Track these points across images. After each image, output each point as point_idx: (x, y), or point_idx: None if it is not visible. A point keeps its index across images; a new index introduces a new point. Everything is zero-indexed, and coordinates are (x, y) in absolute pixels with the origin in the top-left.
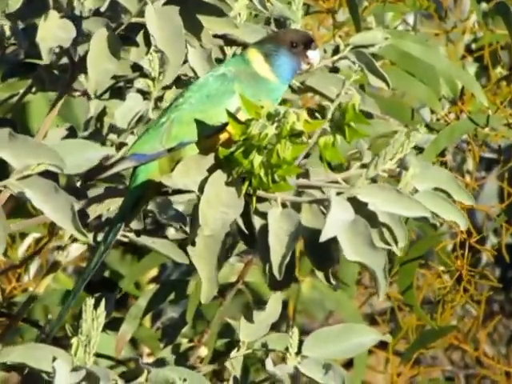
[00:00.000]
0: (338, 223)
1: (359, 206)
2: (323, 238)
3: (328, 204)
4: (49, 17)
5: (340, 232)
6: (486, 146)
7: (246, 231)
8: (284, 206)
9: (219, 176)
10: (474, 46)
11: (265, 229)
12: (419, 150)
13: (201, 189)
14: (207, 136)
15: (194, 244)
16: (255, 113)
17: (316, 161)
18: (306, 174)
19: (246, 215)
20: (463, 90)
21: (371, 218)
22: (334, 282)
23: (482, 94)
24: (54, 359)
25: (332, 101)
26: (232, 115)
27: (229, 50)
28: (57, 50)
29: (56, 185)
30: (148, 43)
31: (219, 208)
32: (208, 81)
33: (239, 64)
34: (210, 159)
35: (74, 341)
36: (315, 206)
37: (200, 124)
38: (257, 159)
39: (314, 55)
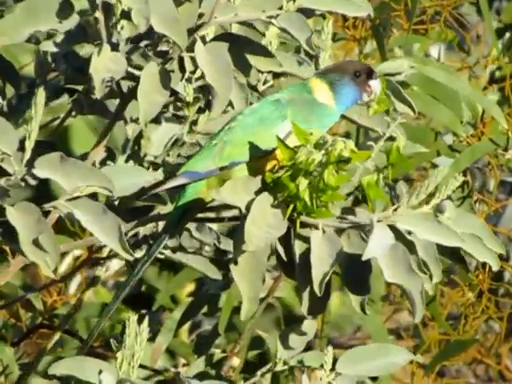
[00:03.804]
0: (379, 245)
1: (399, 234)
2: (365, 256)
3: (370, 228)
4: (102, 50)
5: (380, 255)
6: (508, 171)
7: (285, 258)
8: (324, 232)
9: (265, 198)
10: (497, 74)
11: (306, 252)
12: None
13: (247, 208)
14: (257, 157)
15: (236, 263)
16: (304, 139)
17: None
18: (352, 211)
19: (286, 242)
20: (484, 114)
21: (409, 246)
22: (368, 312)
23: (501, 117)
24: (100, 372)
25: (358, 125)
26: (282, 141)
27: (260, 76)
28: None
29: (104, 206)
30: (182, 69)
31: (263, 228)
32: (262, 105)
33: (299, 91)
34: (257, 181)
35: (119, 354)
36: (355, 233)
37: (251, 145)
38: (303, 183)
39: (375, 84)
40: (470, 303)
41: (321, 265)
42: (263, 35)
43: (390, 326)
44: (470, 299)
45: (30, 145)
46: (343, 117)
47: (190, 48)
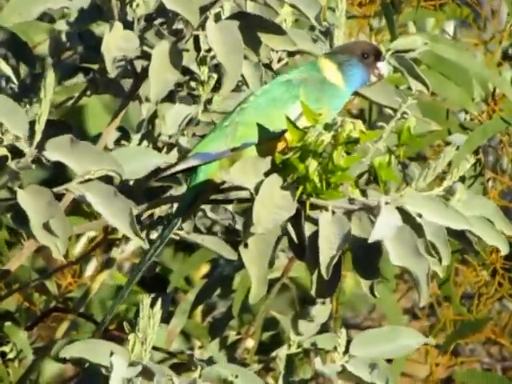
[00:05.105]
0: (386, 228)
1: (406, 216)
2: (372, 239)
3: (377, 211)
4: (114, 28)
5: (387, 237)
6: None
7: (296, 240)
8: (333, 213)
9: (275, 179)
10: (510, 52)
11: (315, 234)
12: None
13: (256, 189)
14: (269, 138)
15: (246, 246)
16: (313, 119)
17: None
18: (362, 193)
19: (296, 225)
20: (496, 91)
21: (417, 229)
22: (377, 295)
23: None
24: (112, 354)
25: (372, 102)
26: (291, 121)
27: (275, 55)
28: (122, 63)
29: (115, 189)
30: (197, 48)
31: (272, 209)
32: (274, 86)
33: (309, 70)
34: (267, 162)
35: (131, 337)
36: (365, 216)
37: (264, 126)
38: (312, 165)
39: (383, 66)
40: (484, 282)
41: (328, 247)
42: (277, 13)
43: (406, 305)
44: (484, 278)
45: (39, 127)
46: (356, 93)
47: (204, 26)
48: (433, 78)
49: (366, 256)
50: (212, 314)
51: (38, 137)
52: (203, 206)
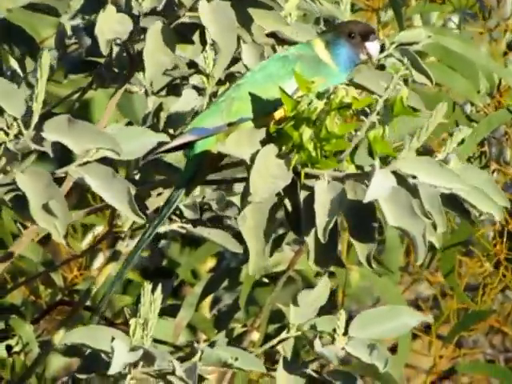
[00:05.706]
0: (380, 188)
1: (402, 180)
2: (366, 199)
3: (372, 173)
4: (106, 11)
5: (382, 199)
6: None
7: (290, 209)
8: (328, 183)
9: (270, 149)
10: None
11: (310, 200)
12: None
13: (252, 160)
14: (265, 113)
15: (244, 218)
16: (306, 88)
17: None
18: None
19: (292, 195)
20: (501, 83)
21: (412, 191)
22: (374, 265)
23: None
24: (113, 340)
25: (380, 96)
26: (284, 92)
27: (280, 49)
28: (116, 45)
29: (113, 170)
30: (203, 42)
31: (268, 179)
32: (270, 62)
33: (303, 48)
34: (261, 133)
35: (132, 322)
36: (359, 186)
37: (260, 101)
38: (306, 132)
39: (372, 47)
40: (488, 273)
41: (324, 212)
42: (281, 7)
43: (409, 298)
44: (488, 269)
45: (37, 107)
46: (360, 87)
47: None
48: (439, 69)
49: (361, 221)
50: (218, 306)
51: (35, 117)
52: (208, 200)
